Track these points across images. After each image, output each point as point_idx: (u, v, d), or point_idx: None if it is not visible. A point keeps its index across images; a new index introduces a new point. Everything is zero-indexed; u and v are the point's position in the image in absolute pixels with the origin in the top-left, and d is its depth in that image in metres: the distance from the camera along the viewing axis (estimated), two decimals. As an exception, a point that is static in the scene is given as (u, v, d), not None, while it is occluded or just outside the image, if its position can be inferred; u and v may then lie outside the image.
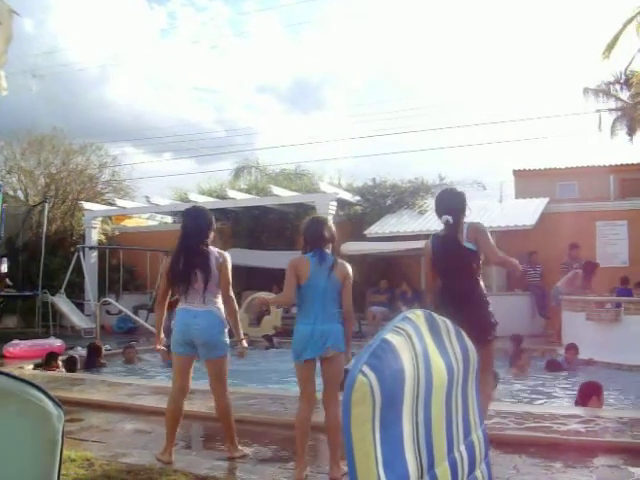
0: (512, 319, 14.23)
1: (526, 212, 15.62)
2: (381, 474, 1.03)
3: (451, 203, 5.21)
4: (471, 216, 16.57)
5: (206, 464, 5.17)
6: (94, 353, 11.19)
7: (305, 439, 4.80)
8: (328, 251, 4.94)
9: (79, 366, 10.53)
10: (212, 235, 5.34)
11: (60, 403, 1.09)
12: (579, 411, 6.41)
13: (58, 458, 1.11)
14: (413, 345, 1.19)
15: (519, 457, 5.12)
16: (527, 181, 23.02)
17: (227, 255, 5.37)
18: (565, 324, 12.23)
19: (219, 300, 5.23)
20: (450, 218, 5.04)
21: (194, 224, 5.27)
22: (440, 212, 5.20)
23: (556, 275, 13.49)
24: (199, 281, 5.11)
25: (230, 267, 5.31)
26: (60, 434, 1.10)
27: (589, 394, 6.80)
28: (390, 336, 1.14)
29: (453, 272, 5.07)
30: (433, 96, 54.43)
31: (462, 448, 1.42)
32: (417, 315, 1.28)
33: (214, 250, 5.26)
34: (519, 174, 24.43)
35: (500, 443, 5.29)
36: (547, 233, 14.91)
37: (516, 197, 19.66)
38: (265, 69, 57.89)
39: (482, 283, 5.14)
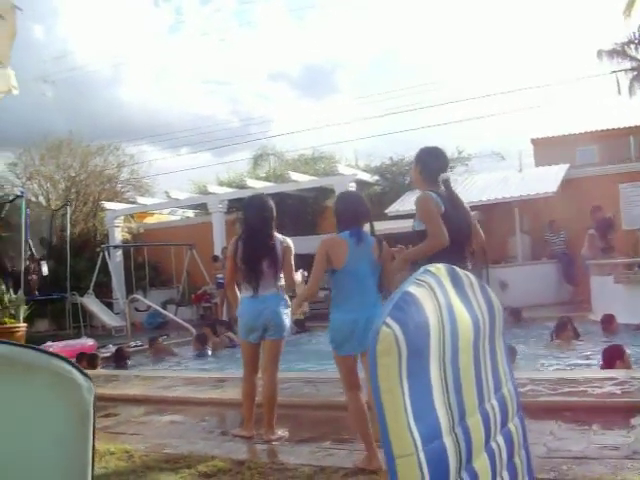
0: (539, 288, 14.19)
1: (547, 180, 15.48)
2: (412, 424, 1.02)
3: (443, 161, 4.79)
4: (491, 187, 16.47)
5: (243, 449, 5.22)
6: (120, 358, 11.32)
7: (365, 425, 4.48)
8: (366, 230, 4.63)
9: (100, 362, 10.64)
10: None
11: (89, 376, 1.10)
12: (613, 373, 6.37)
13: (91, 430, 1.12)
14: (436, 297, 1.18)
15: (555, 422, 5.10)
16: (546, 149, 22.79)
17: (289, 240, 5.52)
18: (594, 289, 12.13)
19: (281, 283, 5.41)
20: (449, 177, 4.69)
21: (258, 213, 5.44)
22: (433, 174, 4.64)
23: (583, 241, 13.37)
24: (268, 269, 5.29)
25: (293, 252, 5.49)
26: (91, 406, 1.11)
27: (612, 358, 6.75)
28: (412, 288, 1.14)
29: (460, 246, 4.54)
30: (446, 70, 54.03)
31: (493, 401, 1.41)
32: (438, 268, 1.28)
33: (279, 236, 5.43)
34: (537, 142, 24.21)
35: (535, 410, 5.27)
36: (570, 199, 14.77)
37: (536, 166, 19.47)
38: (274, 57, 57.80)
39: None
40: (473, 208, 15.31)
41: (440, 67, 55.15)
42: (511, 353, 7.01)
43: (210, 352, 11.52)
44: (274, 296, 5.33)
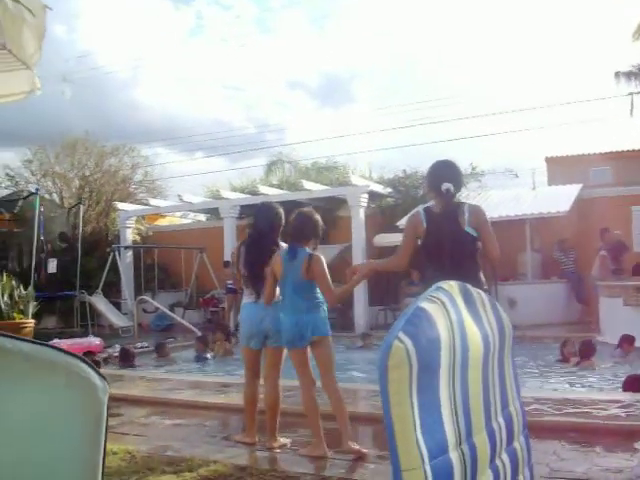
0: (547, 306, 14.15)
1: (559, 199, 15.45)
2: (419, 438, 1.04)
3: (449, 172, 4.61)
4: (503, 204, 16.41)
5: (246, 454, 5.23)
6: (127, 357, 11.36)
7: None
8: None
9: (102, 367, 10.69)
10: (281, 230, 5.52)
11: (105, 376, 1.12)
12: (619, 396, 6.34)
13: (104, 430, 1.14)
14: (448, 313, 1.20)
15: (559, 442, 5.08)
16: (560, 168, 22.76)
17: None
18: (603, 310, 12.08)
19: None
20: (451, 187, 4.45)
21: (265, 220, 5.51)
22: (435, 183, 4.56)
23: (593, 261, 13.32)
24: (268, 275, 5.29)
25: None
26: (105, 406, 1.12)
27: (633, 388, 6.65)
28: (425, 304, 1.15)
29: (450, 259, 4.36)
30: (463, 85, 54.03)
31: (500, 419, 1.42)
32: (451, 285, 1.29)
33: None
34: (551, 161, 24.17)
35: (539, 429, 5.26)
36: (582, 219, 14.74)
37: (549, 184, 19.47)
38: (294, 65, 57.98)
39: (483, 278, 4.52)
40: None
41: (457, 82, 55.18)
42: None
43: (209, 356, 11.55)
44: (276, 303, 5.31)
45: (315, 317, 5.01)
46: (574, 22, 49.36)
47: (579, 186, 16.34)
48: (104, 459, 1.16)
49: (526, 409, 5.06)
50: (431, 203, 4.68)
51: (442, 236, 4.43)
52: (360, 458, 4.85)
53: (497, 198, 16.93)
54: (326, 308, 5.11)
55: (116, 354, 11.63)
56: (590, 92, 48.29)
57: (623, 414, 5.61)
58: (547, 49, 50.86)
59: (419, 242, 4.61)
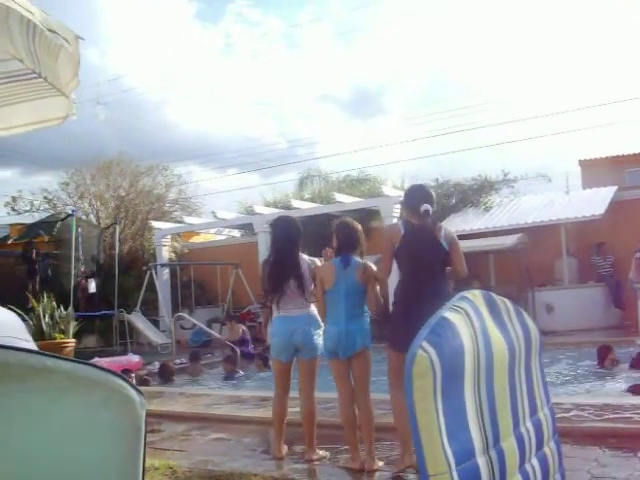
0: (586, 311, 13.98)
1: (594, 202, 15.27)
2: (445, 443, 1.07)
3: (426, 195, 4.92)
4: (537, 210, 16.21)
5: (285, 467, 5.26)
6: (166, 372, 11.50)
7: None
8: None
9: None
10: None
11: (142, 391, 1.17)
12: (661, 400, 6.25)
13: (143, 443, 1.19)
14: (472, 322, 1.23)
15: (599, 449, 5.03)
16: (594, 170, 22.44)
17: (317, 261, 5.60)
18: (641, 313, 11.91)
19: (312, 304, 5.47)
20: (430, 208, 4.74)
21: (284, 234, 5.56)
22: (414, 203, 4.85)
23: (630, 264, 13.14)
24: (296, 289, 5.37)
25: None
26: (143, 420, 1.17)
27: None
28: (449, 314, 1.19)
29: (424, 268, 4.78)
30: (492, 91, 53.74)
31: (529, 425, 1.44)
32: (475, 295, 1.32)
33: (306, 258, 5.50)
34: (585, 164, 23.86)
35: (579, 435, 5.23)
36: (617, 222, 14.55)
37: (583, 188, 19.22)
38: (323, 79, 58.22)
39: (450, 288, 4.87)
40: (519, 230, 15.22)
41: (487, 89, 54.90)
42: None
43: (242, 372, 11.59)
44: (305, 316, 5.39)
45: (362, 327, 5.10)
46: (607, 22, 48.87)
47: (614, 188, 16.14)
48: (144, 473, 1.21)
49: (566, 415, 5.05)
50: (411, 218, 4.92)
51: (418, 244, 4.77)
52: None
53: (530, 203, 16.80)
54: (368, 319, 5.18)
55: (155, 371, 11.78)
56: (623, 92, 47.72)
57: (665, 419, 5.53)
58: (579, 51, 50.43)
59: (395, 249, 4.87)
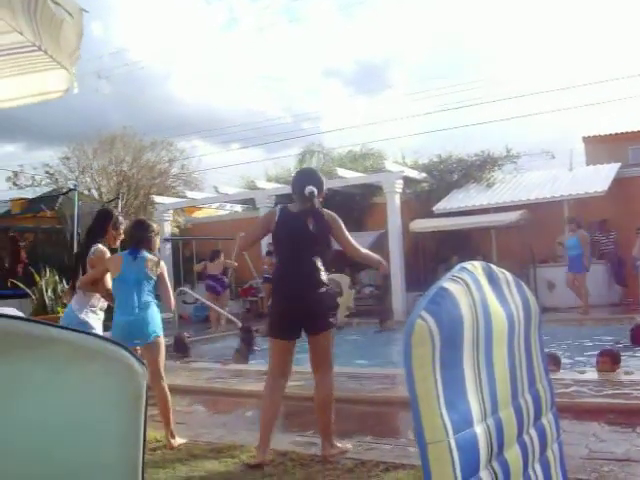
0: (588, 289, 13.98)
1: (597, 179, 15.24)
2: (443, 412, 1.08)
3: (312, 178, 4.99)
4: (540, 186, 16.18)
5: (286, 440, 5.29)
6: (182, 345, 11.49)
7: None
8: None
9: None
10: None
11: (143, 361, 1.18)
12: (660, 376, 6.29)
13: (144, 413, 1.20)
14: (471, 293, 1.23)
15: (598, 424, 5.08)
16: (598, 147, 22.38)
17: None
18: (644, 291, 11.94)
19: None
20: (314, 189, 4.80)
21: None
22: (300, 186, 4.91)
23: (633, 241, 13.14)
24: None
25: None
26: (144, 390, 1.19)
27: None
28: (448, 284, 1.19)
29: (295, 255, 4.84)
30: (496, 66, 53.41)
31: (527, 396, 1.45)
32: (475, 266, 1.33)
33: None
34: (589, 141, 23.79)
35: (578, 411, 5.27)
36: (620, 199, 14.54)
37: (587, 164, 19.15)
38: (327, 54, 57.88)
39: (323, 269, 4.88)
40: (521, 207, 15.20)
41: (491, 64, 54.55)
42: (555, 362, 6.99)
43: (258, 348, 11.32)
44: None
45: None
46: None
47: (617, 165, 16.09)
48: (145, 443, 1.22)
49: (565, 391, 5.07)
50: (292, 204, 5.01)
51: (288, 232, 4.85)
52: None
53: (533, 180, 16.77)
54: None
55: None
56: (628, 69, 47.39)
57: (664, 394, 5.57)
58: (585, 26, 50.04)
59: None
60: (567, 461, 1.68)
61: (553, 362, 7.04)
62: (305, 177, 5.06)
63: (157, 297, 5.78)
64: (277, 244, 5.00)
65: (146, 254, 5.49)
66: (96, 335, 1.17)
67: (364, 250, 5.05)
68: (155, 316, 5.49)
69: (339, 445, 4.91)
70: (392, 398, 6.21)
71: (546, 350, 1.60)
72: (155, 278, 5.52)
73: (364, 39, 59.37)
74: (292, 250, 4.84)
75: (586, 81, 34.49)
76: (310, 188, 4.80)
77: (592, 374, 6.99)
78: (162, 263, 5.59)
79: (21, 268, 17.69)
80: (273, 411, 4.75)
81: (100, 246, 5.67)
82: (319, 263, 4.84)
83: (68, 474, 1.14)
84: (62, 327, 1.12)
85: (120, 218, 5.97)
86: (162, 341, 5.55)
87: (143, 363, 1.20)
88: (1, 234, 19.53)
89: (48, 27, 3.12)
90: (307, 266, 4.79)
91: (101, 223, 5.88)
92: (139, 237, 5.56)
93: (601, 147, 22.31)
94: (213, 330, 14.92)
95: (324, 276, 4.84)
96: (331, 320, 4.81)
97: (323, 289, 4.80)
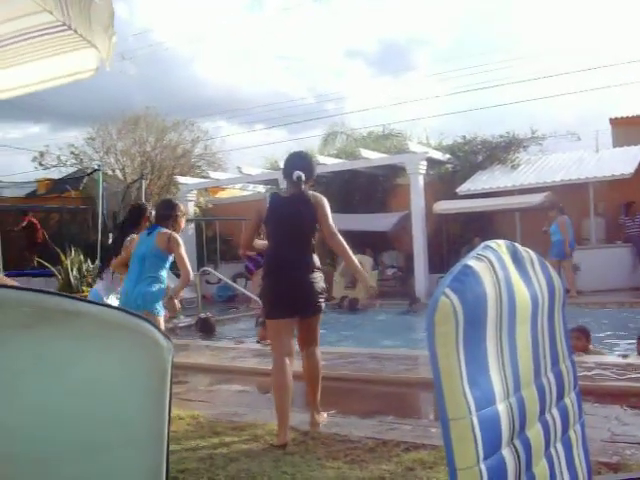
0: (612, 272, 13.89)
1: (624, 161, 15.05)
2: (466, 389, 1.08)
3: (301, 163, 5.08)
4: (565, 168, 16.09)
5: (308, 419, 5.32)
6: (207, 326, 11.60)
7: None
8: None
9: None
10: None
11: (169, 337, 1.19)
12: (685, 360, 6.24)
13: (169, 388, 1.21)
14: (495, 271, 1.23)
15: (621, 407, 5.06)
16: (625, 129, 22.04)
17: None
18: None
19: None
20: (301, 174, 4.89)
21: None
22: (288, 170, 5.02)
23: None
24: None
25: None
26: (170, 364, 1.20)
27: None
28: (472, 262, 1.19)
29: (285, 239, 4.91)
30: (522, 46, 52.78)
31: (550, 375, 1.45)
32: (499, 244, 1.32)
33: None
34: (616, 122, 23.42)
35: (601, 394, 5.25)
36: (647, 182, 14.36)
37: (614, 146, 18.90)
38: (349, 34, 57.50)
39: (315, 255, 4.96)
40: (546, 189, 15.07)
41: (518, 45, 53.88)
42: (586, 335, 6.95)
43: None
44: None
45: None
46: (639, -23, 47.38)
47: (644, 147, 15.89)
48: (169, 417, 1.23)
49: (588, 374, 5.05)
50: (283, 189, 5.16)
51: (278, 217, 4.92)
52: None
53: (559, 162, 16.61)
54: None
55: (181, 325, 11.91)
56: (657, 50, 46.55)
57: (689, 378, 5.53)
58: (610, 5, 49.17)
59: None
60: (589, 444, 1.67)
61: (584, 336, 7.04)
62: (294, 161, 5.12)
63: (178, 275, 5.84)
64: (268, 229, 5.05)
65: (160, 229, 5.54)
66: (123, 309, 1.18)
67: (346, 247, 4.95)
68: (150, 292, 5.50)
69: (324, 414, 5.25)
70: (414, 379, 6.23)
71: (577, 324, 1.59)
72: (164, 252, 5.54)
73: (388, 19, 58.86)
74: (282, 235, 4.92)
75: (613, 61, 33.94)
76: (298, 173, 4.89)
77: (614, 358, 6.95)
78: (177, 238, 5.59)
79: (36, 251, 17.91)
80: (285, 391, 4.79)
81: (134, 236, 6.01)
82: (310, 247, 4.91)
83: (93, 449, 1.15)
84: (89, 301, 1.14)
85: (153, 212, 6.22)
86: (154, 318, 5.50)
87: (169, 338, 1.22)
88: (21, 216, 19.71)
89: (77, 5, 3.14)
90: (297, 251, 4.88)
91: (135, 218, 6.33)
92: (162, 215, 5.65)
93: (628, 129, 21.98)
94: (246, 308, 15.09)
95: (316, 260, 4.93)
96: (321, 303, 4.93)
97: (314, 273, 4.88)
